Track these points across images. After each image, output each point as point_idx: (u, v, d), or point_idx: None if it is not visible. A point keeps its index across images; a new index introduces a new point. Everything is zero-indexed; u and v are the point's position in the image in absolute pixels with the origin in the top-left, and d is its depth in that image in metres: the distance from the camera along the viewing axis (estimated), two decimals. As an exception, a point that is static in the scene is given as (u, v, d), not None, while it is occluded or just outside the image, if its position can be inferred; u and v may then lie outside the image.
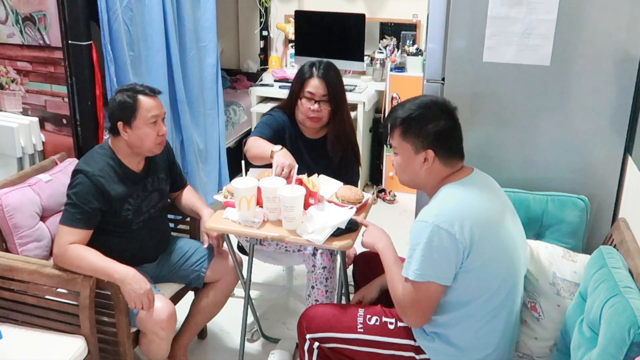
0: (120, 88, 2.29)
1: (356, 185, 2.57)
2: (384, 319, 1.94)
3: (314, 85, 2.48)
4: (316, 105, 2.49)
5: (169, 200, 2.54)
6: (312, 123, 2.53)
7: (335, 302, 2.37)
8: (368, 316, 1.95)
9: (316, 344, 1.96)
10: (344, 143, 2.60)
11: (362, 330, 1.92)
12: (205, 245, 2.44)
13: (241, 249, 2.70)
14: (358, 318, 1.95)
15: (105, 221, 2.23)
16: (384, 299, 2.09)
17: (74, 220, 2.14)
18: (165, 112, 2.31)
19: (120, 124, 2.21)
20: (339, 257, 2.32)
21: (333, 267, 2.36)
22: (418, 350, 1.88)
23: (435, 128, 1.80)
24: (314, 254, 2.35)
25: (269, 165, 2.31)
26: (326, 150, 2.59)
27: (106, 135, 2.70)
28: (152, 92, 2.25)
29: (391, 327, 1.92)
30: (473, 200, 1.78)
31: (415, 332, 1.89)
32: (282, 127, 2.56)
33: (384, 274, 1.93)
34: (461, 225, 1.71)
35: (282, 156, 2.30)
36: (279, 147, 2.36)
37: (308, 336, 1.98)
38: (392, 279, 1.85)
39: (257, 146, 2.43)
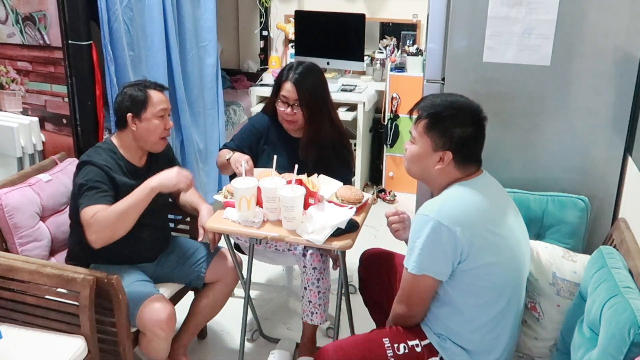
0: (129, 83, 2.36)
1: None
2: (410, 342, 1.86)
3: (287, 89, 2.48)
4: (289, 109, 2.49)
5: (170, 200, 2.54)
6: (288, 125, 2.55)
7: (334, 302, 2.37)
8: (395, 345, 1.86)
9: None
10: (319, 147, 2.54)
11: None
12: (200, 239, 2.42)
13: (236, 246, 2.68)
14: (387, 350, 1.85)
15: None
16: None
17: (95, 199, 2.14)
18: (171, 108, 2.37)
19: (129, 116, 2.25)
20: (330, 259, 2.35)
21: (324, 268, 2.35)
22: None
23: (461, 133, 1.78)
24: (304, 255, 2.35)
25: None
26: (314, 147, 2.55)
27: (106, 135, 2.71)
28: (161, 88, 2.34)
29: (418, 349, 1.85)
30: (478, 202, 1.77)
31: (428, 333, 1.87)
32: (260, 131, 2.60)
33: None
34: (462, 225, 1.70)
35: (236, 157, 2.42)
36: (231, 153, 2.47)
37: None
38: None
39: (219, 157, 2.57)
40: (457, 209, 1.74)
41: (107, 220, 2.10)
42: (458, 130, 1.78)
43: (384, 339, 1.88)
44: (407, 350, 1.85)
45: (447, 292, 1.81)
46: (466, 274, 1.76)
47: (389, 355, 1.84)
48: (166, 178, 2.17)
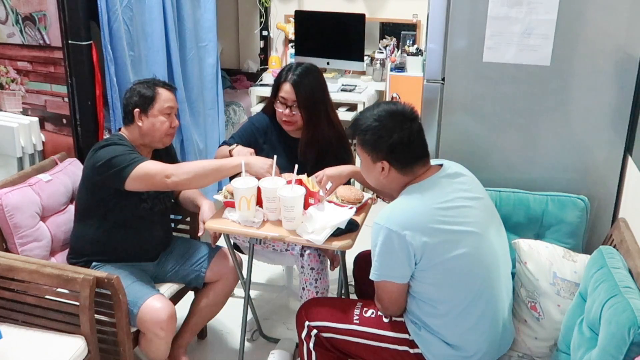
0: (139, 81, 2.40)
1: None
2: (380, 312, 1.96)
3: (286, 90, 2.49)
4: (287, 110, 2.49)
5: (172, 200, 2.55)
6: (286, 126, 2.56)
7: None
8: (365, 309, 1.98)
9: (314, 331, 2.00)
10: (318, 148, 2.54)
11: (357, 321, 1.96)
12: (201, 233, 2.42)
13: (235, 246, 2.68)
14: (355, 310, 1.99)
15: (120, 211, 2.27)
16: None
17: (138, 159, 2.18)
18: (178, 108, 2.41)
19: (136, 111, 2.28)
20: (327, 259, 2.34)
21: (322, 269, 2.35)
22: (412, 344, 1.90)
23: (388, 142, 1.84)
24: (301, 255, 2.35)
25: None
26: (313, 148, 2.55)
27: (106, 135, 2.71)
28: (170, 87, 2.38)
29: (386, 320, 1.94)
30: (427, 202, 1.81)
31: (406, 320, 1.91)
32: (260, 130, 2.60)
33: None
34: (411, 229, 1.75)
35: (239, 150, 2.44)
36: (234, 145, 2.46)
37: (307, 323, 2.01)
38: None
39: (219, 152, 2.58)
40: (405, 214, 1.79)
41: (190, 167, 2.21)
42: (384, 140, 1.84)
43: (358, 302, 2.03)
44: (373, 315, 1.96)
45: (414, 289, 1.85)
46: (427, 272, 1.80)
47: (355, 313, 1.98)
48: (258, 160, 2.24)
